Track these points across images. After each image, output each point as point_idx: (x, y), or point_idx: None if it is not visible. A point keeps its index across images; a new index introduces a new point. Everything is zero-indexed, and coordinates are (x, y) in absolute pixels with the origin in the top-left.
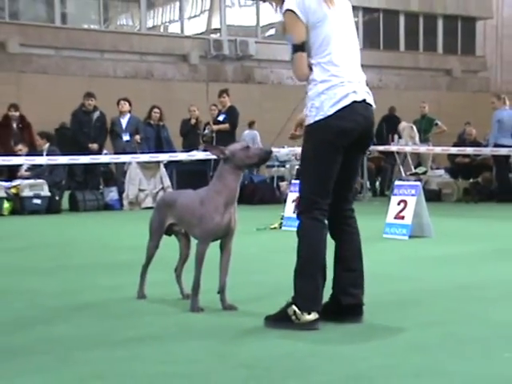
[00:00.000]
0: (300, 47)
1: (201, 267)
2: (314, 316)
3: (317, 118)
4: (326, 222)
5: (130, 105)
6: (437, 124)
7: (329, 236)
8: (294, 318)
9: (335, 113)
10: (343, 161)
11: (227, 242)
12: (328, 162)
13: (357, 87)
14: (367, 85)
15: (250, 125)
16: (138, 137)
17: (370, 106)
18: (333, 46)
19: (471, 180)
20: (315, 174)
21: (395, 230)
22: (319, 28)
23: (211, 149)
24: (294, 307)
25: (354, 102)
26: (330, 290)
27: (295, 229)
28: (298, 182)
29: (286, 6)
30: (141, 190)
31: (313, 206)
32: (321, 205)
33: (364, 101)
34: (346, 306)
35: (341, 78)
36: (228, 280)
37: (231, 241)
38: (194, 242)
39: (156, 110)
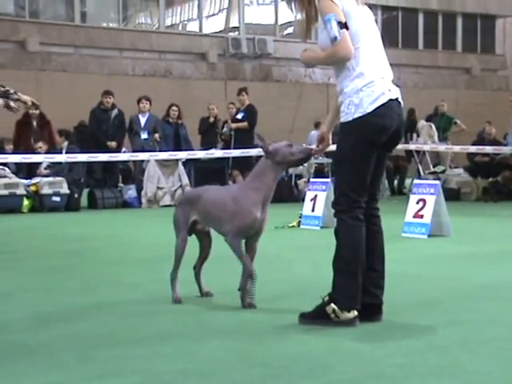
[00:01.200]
0: (344, 24)
1: (243, 254)
2: (353, 314)
3: (356, 116)
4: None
5: (150, 103)
6: (456, 123)
7: None
8: (333, 316)
9: (374, 110)
10: (376, 158)
11: (254, 241)
12: (366, 160)
13: (390, 85)
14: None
15: (317, 125)
16: (157, 135)
17: (400, 103)
18: (363, 41)
19: (490, 179)
20: (354, 172)
21: (414, 228)
22: (350, 21)
23: (260, 139)
24: (333, 305)
25: (390, 99)
26: None
27: (314, 227)
28: (316, 180)
29: None
30: (159, 188)
31: (353, 204)
32: (360, 203)
33: (397, 99)
34: (366, 306)
35: (376, 72)
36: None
37: (258, 240)
38: (215, 241)
39: (174, 107)
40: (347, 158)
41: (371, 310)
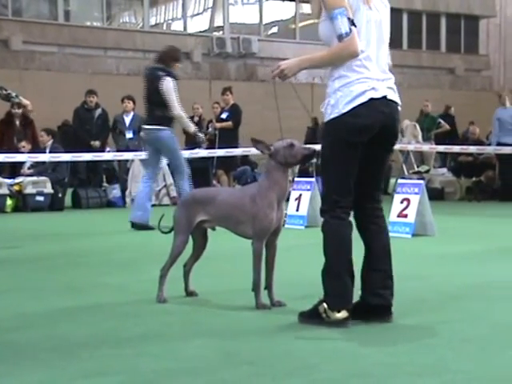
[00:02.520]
0: (352, 21)
1: (260, 265)
2: (343, 314)
3: (332, 116)
4: (351, 219)
5: (134, 103)
6: (439, 123)
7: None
8: (324, 315)
9: (350, 110)
10: (367, 158)
11: (274, 239)
12: (346, 160)
13: (376, 84)
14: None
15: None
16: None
17: (393, 102)
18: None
19: (474, 179)
20: (334, 173)
21: (398, 228)
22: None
23: (257, 144)
24: (324, 305)
25: (372, 99)
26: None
27: (298, 227)
28: (300, 179)
29: None
30: None
31: (335, 204)
32: (343, 203)
33: (385, 97)
34: (374, 307)
35: (359, 73)
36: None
37: (277, 238)
38: (210, 242)
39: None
40: (327, 158)
41: (380, 312)
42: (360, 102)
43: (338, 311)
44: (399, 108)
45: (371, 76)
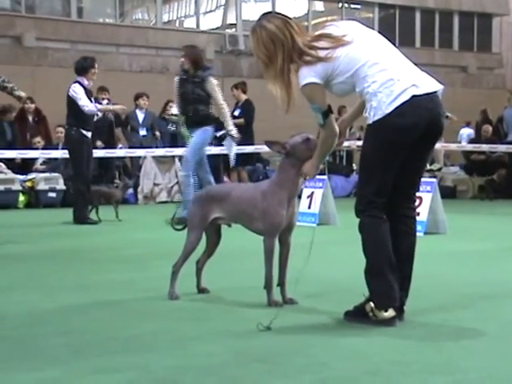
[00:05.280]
0: (329, 112)
1: (271, 262)
2: (390, 313)
3: (375, 118)
4: (385, 216)
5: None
6: (447, 116)
7: None
8: (371, 314)
9: (394, 110)
10: (411, 156)
11: (287, 236)
12: (387, 162)
13: (416, 80)
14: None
15: (468, 123)
16: (158, 134)
17: (436, 96)
18: (370, 57)
19: (486, 177)
20: (374, 174)
21: None
22: (342, 58)
23: (271, 144)
24: (371, 304)
25: (414, 96)
26: None
27: (310, 224)
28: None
29: (303, 81)
30: (156, 185)
31: (370, 204)
32: (377, 203)
33: (427, 94)
34: None
35: (395, 69)
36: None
37: (291, 235)
38: (223, 239)
39: (171, 104)
40: (368, 159)
41: None
42: (403, 101)
43: (385, 310)
44: (440, 96)
45: (408, 71)
